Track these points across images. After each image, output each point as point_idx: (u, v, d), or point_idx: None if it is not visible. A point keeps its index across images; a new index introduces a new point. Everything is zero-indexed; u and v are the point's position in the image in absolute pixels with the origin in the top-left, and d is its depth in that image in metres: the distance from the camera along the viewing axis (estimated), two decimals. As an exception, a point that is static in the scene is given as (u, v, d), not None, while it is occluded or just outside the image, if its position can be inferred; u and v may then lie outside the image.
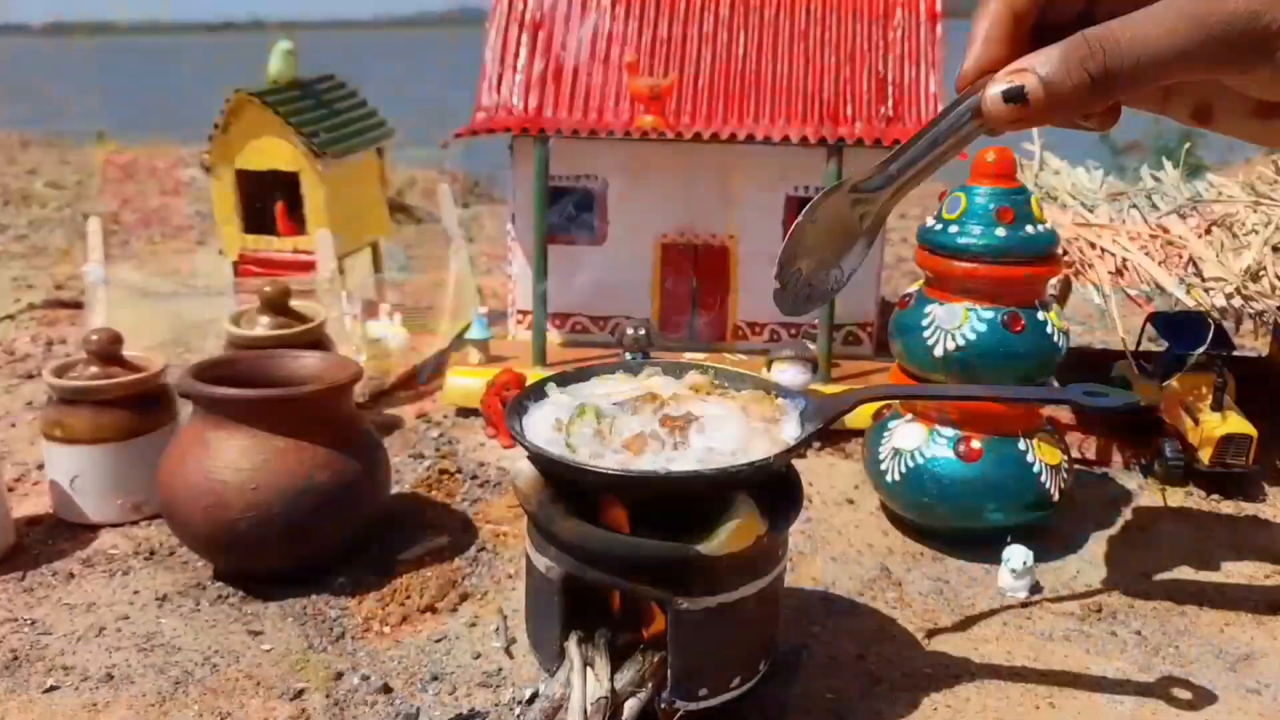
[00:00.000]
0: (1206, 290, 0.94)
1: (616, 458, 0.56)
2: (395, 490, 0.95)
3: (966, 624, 0.75)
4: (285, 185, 1.28)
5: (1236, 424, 0.95)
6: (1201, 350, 0.97)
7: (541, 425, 0.60)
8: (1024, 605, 0.78)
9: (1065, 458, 0.85)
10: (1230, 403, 0.98)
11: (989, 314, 0.80)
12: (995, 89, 0.45)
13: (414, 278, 1.56)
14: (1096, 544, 0.88)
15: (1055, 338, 0.82)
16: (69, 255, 2.03)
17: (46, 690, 0.66)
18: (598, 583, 0.57)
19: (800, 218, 0.52)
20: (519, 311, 1.28)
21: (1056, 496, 0.83)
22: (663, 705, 0.58)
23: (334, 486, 0.77)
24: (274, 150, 1.24)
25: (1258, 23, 0.41)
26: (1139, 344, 1.10)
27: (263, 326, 0.99)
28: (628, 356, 1.07)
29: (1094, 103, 0.44)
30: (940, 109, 0.48)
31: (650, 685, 0.58)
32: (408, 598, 0.78)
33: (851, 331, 1.26)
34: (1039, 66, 0.44)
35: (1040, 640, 0.73)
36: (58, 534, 0.88)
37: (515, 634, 0.73)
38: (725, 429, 0.58)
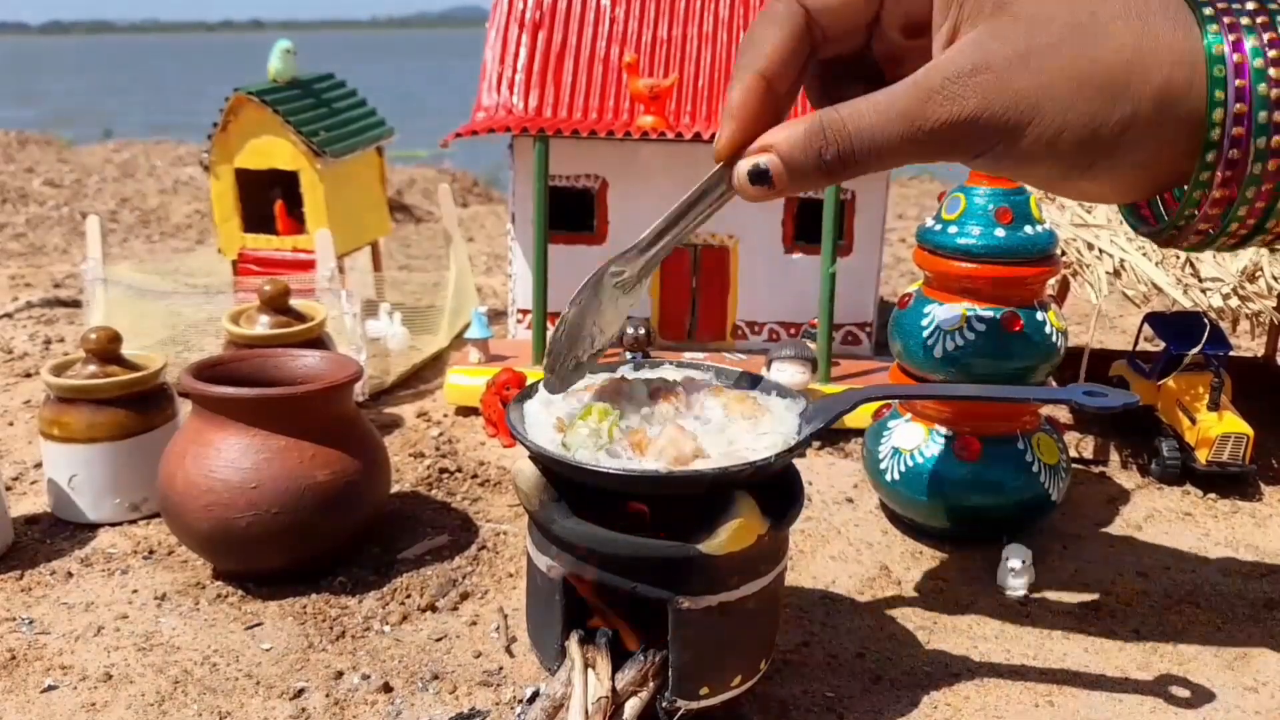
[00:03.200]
0: (1203, 290, 0.94)
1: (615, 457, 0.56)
2: (395, 489, 0.95)
3: (966, 622, 0.75)
4: (285, 184, 1.29)
5: (1233, 423, 0.95)
6: (1198, 350, 0.97)
7: (543, 424, 0.60)
8: (1023, 604, 0.78)
9: (1064, 457, 0.86)
10: (1227, 402, 0.99)
11: (988, 314, 0.80)
12: (743, 167, 0.47)
13: (414, 277, 1.56)
14: (1094, 543, 0.88)
15: (1054, 338, 0.82)
16: (67, 254, 2.03)
17: (44, 690, 0.66)
18: (600, 582, 0.57)
19: (564, 316, 0.56)
20: (519, 310, 1.29)
21: (1055, 495, 0.84)
22: (664, 704, 0.58)
23: (334, 485, 0.77)
24: (273, 149, 1.24)
25: (972, 130, 0.44)
26: (1136, 343, 1.11)
27: (262, 325, 0.99)
28: (628, 356, 1.08)
29: (833, 181, 0.48)
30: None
31: (652, 684, 0.58)
32: (408, 596, 0.78)
33: (851, 331, 1.26)
34: (780, 145, 0.47)
35: (1039, 638, 0.73)
36: (56, 533, 0.88)
37: (516, 633, 0.73)
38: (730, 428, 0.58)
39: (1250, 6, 0.43)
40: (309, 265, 1.23)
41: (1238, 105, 0.42)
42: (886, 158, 0.46)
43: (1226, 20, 0.43)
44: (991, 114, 0.43)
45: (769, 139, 0.47)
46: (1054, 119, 0.43)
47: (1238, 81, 0.42)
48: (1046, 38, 0.43)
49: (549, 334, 0.57)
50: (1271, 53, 0.42)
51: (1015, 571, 0.79)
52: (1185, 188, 0.45)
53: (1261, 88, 0.42)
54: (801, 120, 0.47)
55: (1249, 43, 0.42)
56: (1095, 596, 0.79)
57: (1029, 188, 0.87)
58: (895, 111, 0.44)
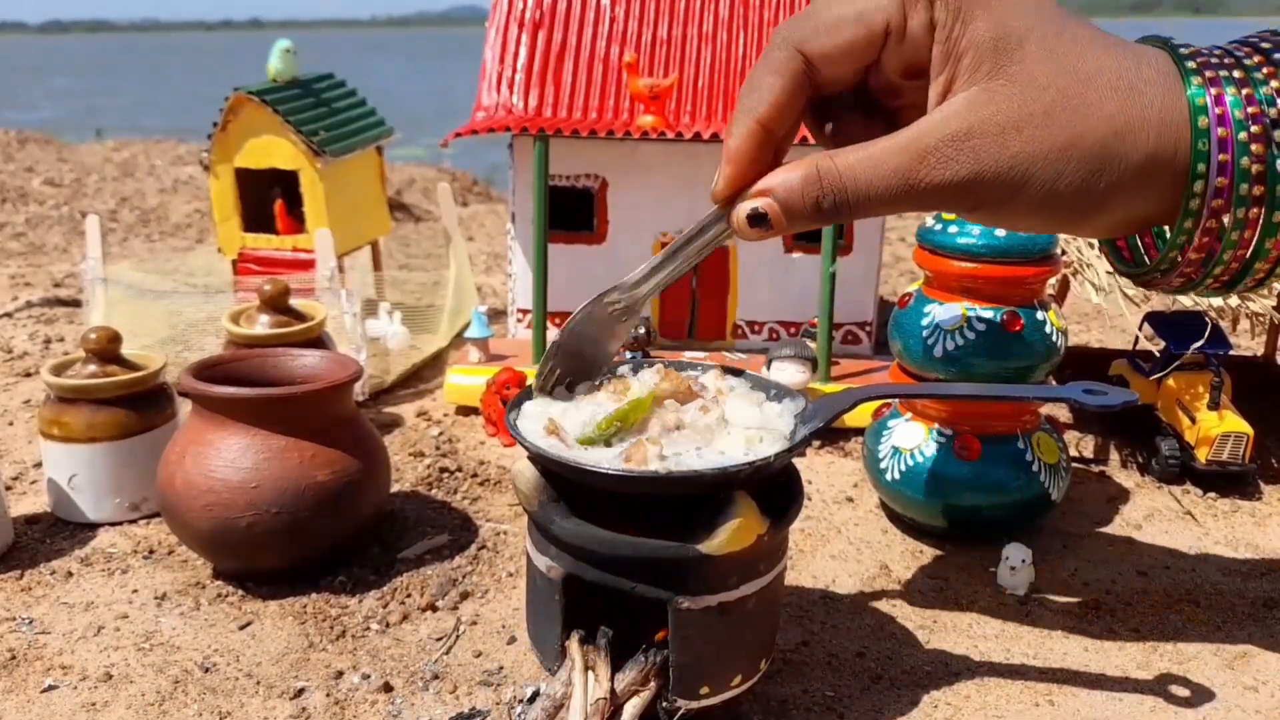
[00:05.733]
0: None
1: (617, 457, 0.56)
2: (395, 488, 0.95)
3: (966, 622, 0.75)
4: (285, 184, 1.29)
5: (1233, 423, 0.95)
6: (1198, 349, 0.97)
7: (540, 425, 0.60)
8: (1023, 603, 0.78)
9: (1063, 456, 0.86)
10: (1227, 401, 0.99)
11: (988, 313, 0.80)
12: (742, 211, 0.49)
13: (414, 276, 1.57)
14: (1094, 542, 0.88)
15: (1054, 337, 0.82)
16: (67, 253, 2.03)
17: (44, 690, 0.66)
18: (599, 582, 0.57)
19: (558, 338, 0.59)
20: (519, 310, 1.29)
21: (1055, 495, 0.84)
22: (664, 704, 0.58)
23: (334, 485, 0.77)
24: (273, 148, 1.24)
25: (963, 192, 0.46)
26: (1135, 343, 1.11)
27: (262, 325, 0.99)
28: (628, 356, 1.08)
29: (829, 224, 0.50)
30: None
31: (652, 684, 0.58)
32: (408, 596, 0.78)
33: (850, 330, 1.26)
34: (778, 190, 0.48)
35: (1039, 638, 0.73)
36: (56, 533, 0.88)
37: (516, 633, 0.73)
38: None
39: (1228, 61, 0.45)
40: (309, 265, 1.23)
41: (1220, 155, 0.44)
42: (880, 208, 0.47)
43: (1208, 74, 0.44)
44: (982, 179, 0.45)
45: (767, 183, 0.49)
46: (1044, 184, 0.45)
47: (1220, 131, 0.44)
48: (1040, 106, 0.44)
49: (549, 341, 0.62)
50: (1250, 108, 0.44)
51: (1015, 571, 0.79)
52: (1169, 232, 0.47)
53: (1242, 136, 0.43)
54: (798, 166, 0.48)
55: (1229, 94, 0.44)
56: (1095, 596, 0.79)
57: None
58: (889, 169, 0.46)
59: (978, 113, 0.44)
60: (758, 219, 0.49)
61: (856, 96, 0.52)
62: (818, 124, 0.54)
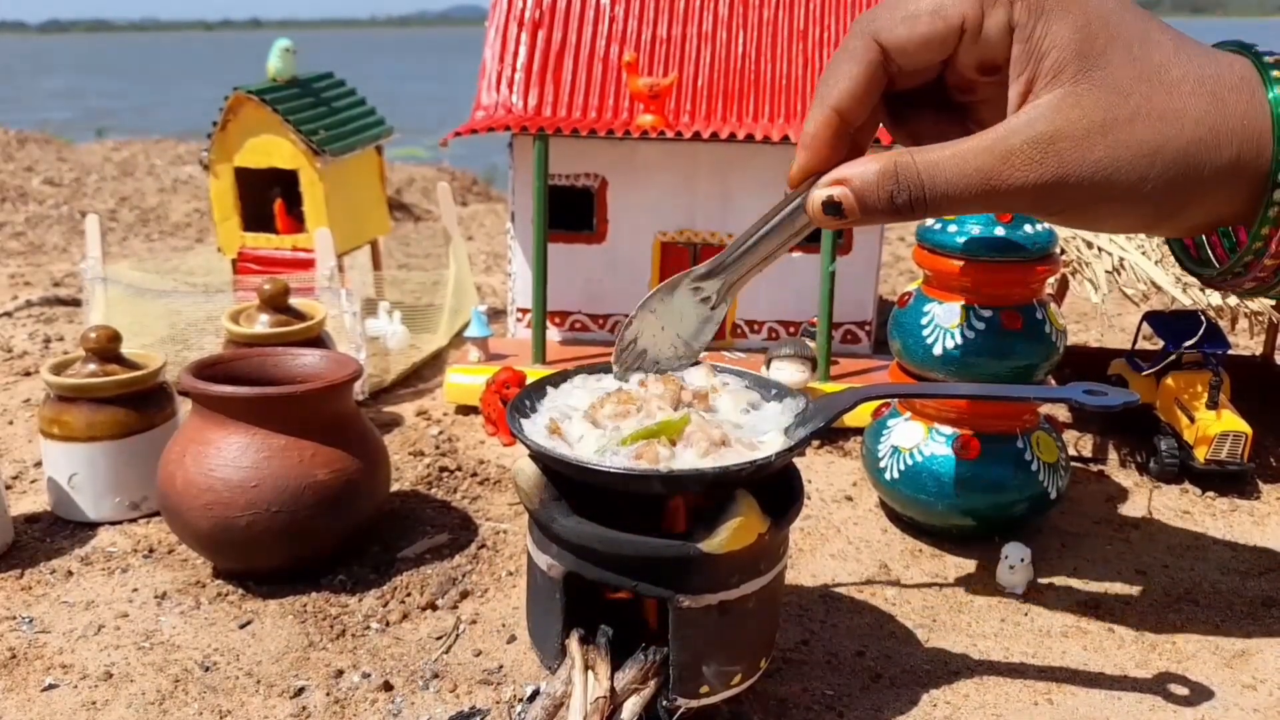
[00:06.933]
0: (1203, 289, 0.94)
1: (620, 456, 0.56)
2: (395, 488, 0.95)
3: (965, 621, 0.75)
4: (284, 183, 1.29)
5: (1232, 422, 0.95)
6: (1196, 348, 0.97)
7: (541, 424, 0.60)
8: (1022, 602, 0.78)
9: (1063, 455, 0.86)
10: (1226, 401, 0.99)
11: (987, 312, 0.81)
12: (817, 197, 0.49)
13: (413, 275, 1.57)
14: (1093, 541, 0.88)
15: (1053, 336, 0.82)
16: (67, 252, 2.03)
17: (45, 689, 0.66)
18: (600, 581, 0.57)
19: (634, 312, 0.59)
20: (519, 309, 1.29)
21: (1054, 494, 0.84)
22: (664, 703, 0.58)
23: (334, 484, 0.77)
24: (273, 148, 1.24)
25: (1046, 195, 0.46)
26: (1135, 342, 1.11)
27: (262, 324, 0.99)
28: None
29: (904, 219, 0.50)
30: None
31: (652, 683, 0.58)
32: (408, 595, 0.78)
33: (850, 330, 1.26)
34: (854, 180, 0.48)
35: (1038, 636, 0.73)
36: (56, 532, 0.88)
37: (515, 631, 0.73)
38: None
39: None
40: (308, 264, 1.23)
41: None
42: (957, 208, 0.47)
43: None
44: (1066, 183, 0.45)
45: (843, 172, 0.49)
46: (1127, 189, 0.45)
47: None
48: (1125, 111, 0.44)
49: (618, 337, 0.60)
50: None
51: (1014, 570, 0.79)
52: (1234, 232, 0.47)
53: None
54: (877, 158, 0.48)
55: None
56: (1094, 594, 0.79)
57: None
58: (971, 167, 0.46)
59: (1064, 116, 0.44)
60: (832, 207, 0.49)
61: (931, 93, 0.52)
62: (896, 121, 0.54)
